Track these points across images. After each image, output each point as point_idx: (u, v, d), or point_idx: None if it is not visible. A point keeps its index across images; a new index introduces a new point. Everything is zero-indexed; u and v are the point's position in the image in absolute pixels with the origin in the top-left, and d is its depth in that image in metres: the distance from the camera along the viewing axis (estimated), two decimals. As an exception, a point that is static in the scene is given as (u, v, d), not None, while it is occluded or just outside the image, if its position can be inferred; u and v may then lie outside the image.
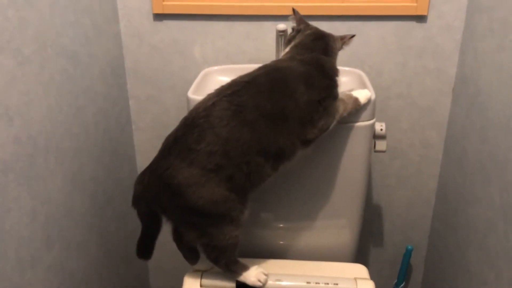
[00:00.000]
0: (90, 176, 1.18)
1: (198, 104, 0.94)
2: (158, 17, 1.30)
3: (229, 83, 0.95)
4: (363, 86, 1.16)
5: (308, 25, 1.07)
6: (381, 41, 1.29)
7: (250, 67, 1.31)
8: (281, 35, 1.14)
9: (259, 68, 0.98)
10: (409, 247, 1.49)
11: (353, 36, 1.07)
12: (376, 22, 1.27)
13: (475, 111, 1.18)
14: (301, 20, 1.08)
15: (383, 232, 1.56)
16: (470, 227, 1.19)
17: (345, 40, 1.07)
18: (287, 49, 1.05)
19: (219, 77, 1.28)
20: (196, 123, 0.90)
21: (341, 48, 1.07)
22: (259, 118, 0.90)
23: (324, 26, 1.10)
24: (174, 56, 1.35)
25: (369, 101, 1.07)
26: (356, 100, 1.05)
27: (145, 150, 1.47)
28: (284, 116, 0.92)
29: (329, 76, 1.00)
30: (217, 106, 0.90)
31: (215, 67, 1.30)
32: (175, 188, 0.89)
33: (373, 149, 1.18)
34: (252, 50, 1.32)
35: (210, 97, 0.94)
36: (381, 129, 1.17)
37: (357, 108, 1.06)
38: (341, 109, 1.01)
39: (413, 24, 1.26)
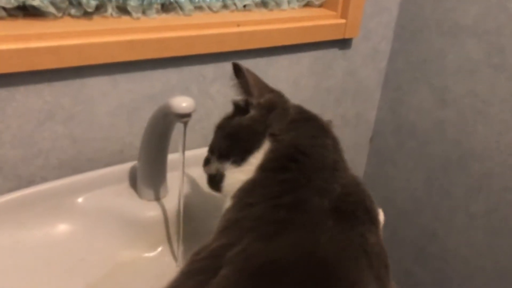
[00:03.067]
0: None
1: None
2: None
3: None
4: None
5: (285, 101, 0.45)
6: (292, 86, 0.75)
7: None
8: (185, 122, 0.46)
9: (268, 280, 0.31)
10: None
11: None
12: (286, 56, 0.72)
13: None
14: (256, 81, 0.45)
15: None
16: None
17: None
18: (258, 173, 0.40)
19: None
20: None
21: None
22: None
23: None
24: None
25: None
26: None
27: None
28: None
29: (375, 223, 0.42)
30: None
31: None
32: None
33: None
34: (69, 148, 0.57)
35: None
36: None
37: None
38: None
39: (335, 52, 0.77)
